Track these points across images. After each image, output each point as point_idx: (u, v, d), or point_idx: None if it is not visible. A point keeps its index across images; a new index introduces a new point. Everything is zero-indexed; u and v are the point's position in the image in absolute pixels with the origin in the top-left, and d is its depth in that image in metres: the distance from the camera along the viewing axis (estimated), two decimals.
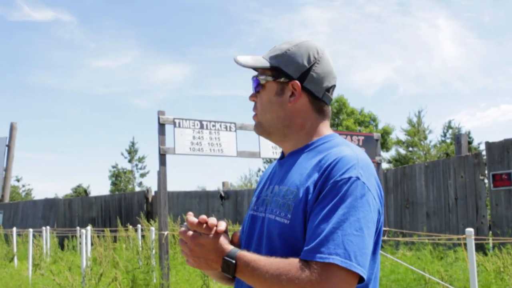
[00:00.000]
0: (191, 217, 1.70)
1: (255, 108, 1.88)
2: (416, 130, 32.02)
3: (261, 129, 1.86)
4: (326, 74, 1.81)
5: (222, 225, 1.69)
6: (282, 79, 1.78)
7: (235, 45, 61.77)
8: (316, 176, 1.62)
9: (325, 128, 1.82)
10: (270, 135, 1.86)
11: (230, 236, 1.78)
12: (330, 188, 1.55)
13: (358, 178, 1.56)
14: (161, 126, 8.15)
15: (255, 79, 1.84)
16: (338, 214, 1.50)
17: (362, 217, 1.52)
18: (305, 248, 1.50)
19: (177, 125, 8.19)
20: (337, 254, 1.44)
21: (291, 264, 1.49)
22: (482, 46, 52.44)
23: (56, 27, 60.43)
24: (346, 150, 1.66)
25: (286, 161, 1.82)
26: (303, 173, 1.68)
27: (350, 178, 1.56)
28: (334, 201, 1.53)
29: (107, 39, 60.66)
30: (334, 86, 1.85)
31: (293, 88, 1.77)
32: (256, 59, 1.83)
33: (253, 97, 1.88)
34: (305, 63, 1.78)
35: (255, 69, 1.87)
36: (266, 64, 1.80)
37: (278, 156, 1.87)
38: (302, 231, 1.59)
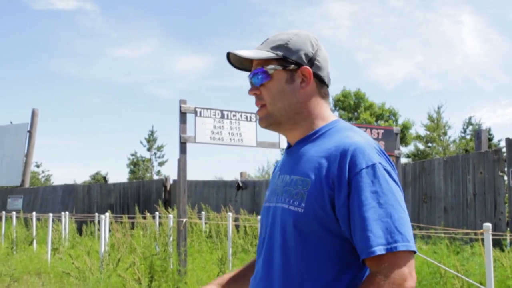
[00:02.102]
0: None
1: (259, 101, 1.85)
2: (436, 126, 31.81)
3: (271, 120, 1.83)
4: (326, 60, 1.86)
5: None
6: (291, 67, 1.79)
7: (256, 36, 61.94)
8: (328, 164, 1.64)
9: (329, 112, 1.85)
10: (280, 125, 1.84)
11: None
12: (358, 178, 1.57)
13: (380, 164, 1.60)
14: (183, 115, 8.23)
15: (261, 70, 1.81)
16: (381, 203, 1.55)
17: (398, 197, 1.58)
18: (363, 245, 1.53)
19: (198, 114, 8.26)
20: (396, 241, 1.51)
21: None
22: (505, 43, 51.99)
23: (79, 16, 61.03)
24: (355, 137, 1.68)
25: (294, 149, 1.83)
26: (313, 161, 1.69)
27: (374, 164, 1.59)
28: (370, 192, 1.56)
29: (129, 28, 61.16)
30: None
31: (302, 74, 1.80)
32: (258, 52, 1.82)
33: (254, 90, 1.85)
34: (310, 49, 1.82)
35: (245, 68, 1.91)
36: (271, 55, 1.79)
37: None
38: (318, 220, 1.61)
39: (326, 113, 1.84)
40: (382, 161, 1.62)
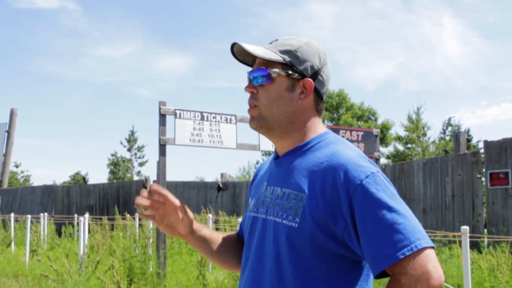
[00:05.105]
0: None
1: (253, 100, 1.80)
2: (415, 127, 32.04)
3: (263, 123, 1.78)
4: (329, 76, 1.84)
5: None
6: (295, 76, 1.76)
7: (239, 37, 62.00)
8: (322, 180, 1.62)
9: (320, 126, 1.83)
10: (271, 130, 1.79)
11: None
12: (361, 191, 1.55)
13: (377, 172, 1.59)
14: (162, 117, 8.19)
15: (265, 71, 1.76)
16: (391, 207, 1.54)
17: (400, 200, 1.58)
18: (384, 253, 1.50)
19: (178, 116, 8.23)
20: (418, 239, 1.50)
21: None
22: (485, 45, 52.60)
23: (61, 15, 60.74)
24: (346, 150, 1.67)
25: (283, 161, 1.80)
26: (305, 175, 1.67)
27: (372, 173, 1.58)
28: (377, 199, 1.54)
29: (111, 28, 60.93)
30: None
31: (303, 86, 1.77)
32: (266, 51, 1.77)
33: (252, 88, 1.80)
34: (317, 63, 1.79)
35: (246, 61, 1.86)
36: (279, 58, 1.75)
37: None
38: (312, 235, 1.59)
39: (318, 127, 1.81)
40: (377, 169, 1.61)
